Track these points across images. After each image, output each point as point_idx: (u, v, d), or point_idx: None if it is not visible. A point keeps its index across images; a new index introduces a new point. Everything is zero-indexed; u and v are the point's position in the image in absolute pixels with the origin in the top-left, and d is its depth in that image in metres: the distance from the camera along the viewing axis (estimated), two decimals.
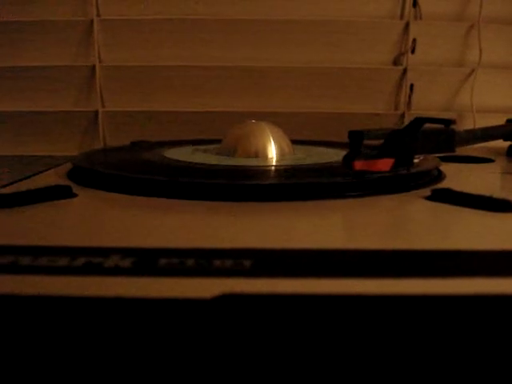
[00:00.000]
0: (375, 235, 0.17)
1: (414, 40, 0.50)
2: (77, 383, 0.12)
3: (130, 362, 0.12)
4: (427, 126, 0.25)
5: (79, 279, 0.13)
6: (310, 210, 0.20)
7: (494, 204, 0.20)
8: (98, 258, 0.14)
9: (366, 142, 0.24)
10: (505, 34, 0.51)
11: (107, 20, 0.50)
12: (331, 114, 0.51)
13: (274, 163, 0.29)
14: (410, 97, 0.52)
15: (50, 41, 0.50)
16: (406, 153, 0.24)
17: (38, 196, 0.21)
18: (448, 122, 0.26)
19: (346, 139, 0.24)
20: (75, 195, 0.22)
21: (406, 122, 0.50)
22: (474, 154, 0.37)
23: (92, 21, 0.49)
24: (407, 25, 0.50)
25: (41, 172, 0.29)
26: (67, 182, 0.25)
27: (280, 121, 0.36)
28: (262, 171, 0.27)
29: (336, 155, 0.31)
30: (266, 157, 0.30)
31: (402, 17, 0.51)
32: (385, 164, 0.24)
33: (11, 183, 0.25)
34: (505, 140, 0.36)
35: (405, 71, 0.51)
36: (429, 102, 0.52)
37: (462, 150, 0.34)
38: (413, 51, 0.51)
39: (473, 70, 0.51)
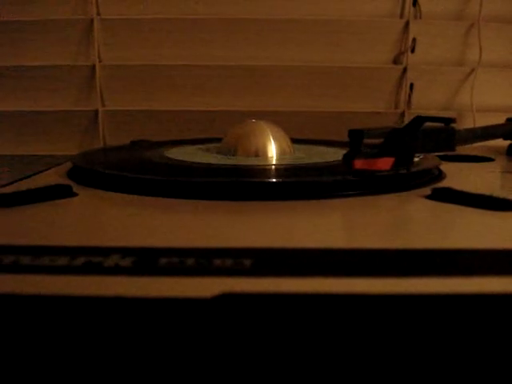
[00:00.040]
0: (376, 234, 0.17)
1: (414, 39, 0.50)
2: (77, 383, 0.12)
3: (131, 361, 0.12)
4: (427, 124, 0.25)
5: (79, 279, 0.13)
6: (310, 209, 0.20)
7: (494, 203, 0.20)
8: (98, 257, 0.14)
9: (366, 140, 0.23)
10: (505, 33, 0.51)
11: (107, 19, 0.50)
12: (331, 113, 0.51)
13: (274, 162, 0.29)
14: (410, 96, 0.52)
15: (50, 40, 0.50)
16: (406, 152, 0.24)
17: (38, 195, 0.21)
18: (448, 121, 0.26)
19: (346, 138, 0.24)
20: (75, 195, 0.22)
21: (406, 120, 0.50)
22: (474, 152, 0.37)
23: (92, 20, 0.49)
24: (407, 24, 0.50)
25: (41, 171, 0.29)
26: (67, 182, 0.25)
27: (280, 120, 0.36)
28: (263, 170, 0.27)
29: (336, 154, 0.31)
30: (266, 156, 0.30)
31: (401, 16, 0.51)
32: (385, 163, 0.24)
33: (11, 183, 0.25)
34: (505, 139, 0.36)
35: (405, 70, 0.51)
36: (429, 100, 0.52)
37: (462, 149, 0.34)
38: (413, 50, 0.51)
39: (473, 69, 0.51)
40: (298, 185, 0.23)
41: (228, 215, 0.19)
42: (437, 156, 0.30)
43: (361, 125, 0.26)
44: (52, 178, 0.27)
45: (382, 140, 0.24)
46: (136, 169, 0.27)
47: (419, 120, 0.25)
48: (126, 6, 0.50)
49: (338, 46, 0.51)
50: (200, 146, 0.35)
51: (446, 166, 0.30)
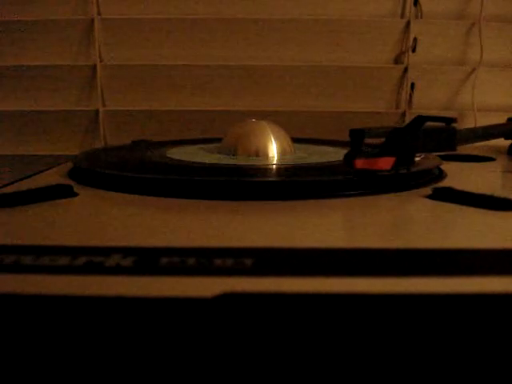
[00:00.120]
0: (376, 234, 0.17)
1: (415, 39, 0.50)
2: (78, 382, 0.12)
3: (132, 361, 0.12)
4: (428, 124, 0.25)
5: (80, 278, 0.13)
6: (311, 208, 0.20)
7: (495, 203, 0.20)
8: (99, 257, 0.14)
9: (367, 140, 0.24)
10: (506, 32, 0.51)
11: (108, 19, 0.50)
12: (332, 112, 0.51)
13: (274, 162, 0.29)
14: (410, 95, 0.51)
15: (51, 40, 0.50)
16: (407, 151, 0.24)
17: (39, 195, 0.21)
18: (449, 121, 0.26)
19: (347, 138, 0.24)
20: (76, 194, 0.23)
21: (407, 120, 0.50)
22: (475, 152, 0.37)
23: (93, 20, 0.49)
24: (408, 23, 0.50)
25: (42, 171, 0.29)
26: (68, 182, 0.25)
27: (281, 120, 0.36)
28: (263, 170, 0.27)
29: (337, 154, 0.31)
30: (266, 156, 0.30)
31: (402, 15, 0.51)
32: (386, 162, 0.24)
33: (12, 182, 0.25)
34: (506, 139, 0.36)
35: (406, 70, 0.51)
36: (430, 100, 0.52)
37: (463, 149, 0.34)
38: (414, 50, 0.51)
39: (474, 69, 0.51)
40: (299, 184, 0.23)
41: (229, 215, 0.19)
42: (438, 156, 0.30)
43: (361, 124, 0.26)
44: (53, 177, 0.27)
45: (382, 140, 0.24)
46: (137, 169, 0.27)
47: (420, 120, 0.25)
48: (126, 5, 0.50)
49: (338, 46, 0.51)
50: (200, 146, 0.35)
51: (446, 166, 0.30)
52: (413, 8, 0.50)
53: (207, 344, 0.12)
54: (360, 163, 0.23)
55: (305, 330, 0.12)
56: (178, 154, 0.32)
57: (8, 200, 0.20)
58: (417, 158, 0.25)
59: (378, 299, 0.12)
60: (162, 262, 0.14)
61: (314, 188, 0.23)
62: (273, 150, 0.31)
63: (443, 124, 0.26)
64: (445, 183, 0.25)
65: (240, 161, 0.29)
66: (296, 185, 0.23)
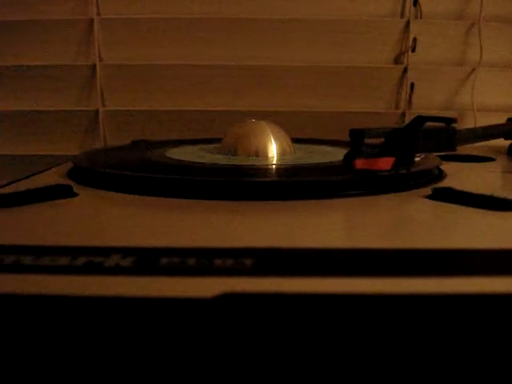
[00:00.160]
0: (376, 234, 0.17)
1: (415, 39, 0.50)
2: (78, 383, 0.12)
3: (131, 361, 0.12)
4: (428, 124, 0.25)
5: (80, 279, 0.13)
6: (311, 208, 0.20)
7: (494, 203, 0.20)
8: (98, 257, 0.14)
9: (367, 140, 0.24)
10: (505, 32, 0.51)
11: (108, 19, 0.50)
12: (332, 112, 0.51)
13: (274, 162, 0.29)
14: (410, 96, 0.51)
15: (51, 40, 0.50)
16: (407, 151, 0.24)
17: (38, 195, 0.21)
18: (449, 121, 0.26)
19: (346, 138, 0.24)
20: (76, 195, 0.22)
21: (407, 120, 0.50)
22: (475, 152, 0.37)
23: (92, 20, 0.49)
24: (408, 24, 0.50)
25: (41, 171, 0.29)
26: (68, 182, 0.25)
27: (281, 120, 0.36)
28: (263, 170, 0.27)
29: (337, 154, 0.31)
30: (266, 156, 0.30)
31: (402, 16, 0.51)
32: (386, 163, 0.24)
33: (11, 182, 0.25)
34: (505, 139, 0.36)
35: (405, 70, 0.51)
36: (429, 100, 0.52)
37: (462, 149, 0.34)
38: (413, 50, 0.51)
39: (473, 69, 0.51)
40: (299, 185, 0.23)
41: (229, 215, 0.19)
42: (437, 156, 0.30)
43: (361, 125, 0.26)
44: (52, 177, 0.27)
45: (382, 140, 0.24)
46: (136, 169, 0.27)
47: (420, 120, 0.25)
48: (126, 5, 0.50)
49: (338, 46, 0.51)
50: (201, 146, 0.35)
51: (446, 166, 0.30)
52: (412, 8, 0.50)
53: (207, 344, 0.12)
54: (360, 163, 0.23)
55: (305, 331, 0.12)
56: (177, 154, 0.32)
57: (8, 200, 0.20)
58: (417, 159, 0.25)
59: (379, 299, 0.12)
60: (161, 262, 0.14)
61: (314, 188, 0.23)
62: (273, 150, 0.31)
63: (443, 124, 0.26)
64: (444, 183, 0.25)
65: (240, 161, 0.29)
66: (296, 185, 0.23)
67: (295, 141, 0.34)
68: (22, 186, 0.24)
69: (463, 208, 0.20)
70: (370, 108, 0.52)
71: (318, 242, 0.16)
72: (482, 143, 0.33)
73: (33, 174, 0.28)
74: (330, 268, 0.13)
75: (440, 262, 0.14)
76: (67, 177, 0.27)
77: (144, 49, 0.50)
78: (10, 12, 0.49)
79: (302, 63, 0.51)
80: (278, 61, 0.51)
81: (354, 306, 0.12)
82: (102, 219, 0.19)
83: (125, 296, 0.12)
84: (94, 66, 0.50)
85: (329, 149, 0.34)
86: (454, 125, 0.26)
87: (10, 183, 0.25)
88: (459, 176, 0.28)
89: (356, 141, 0.23)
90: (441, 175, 0.27)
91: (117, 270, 0.13)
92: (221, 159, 0.29)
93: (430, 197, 0.22)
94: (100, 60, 0.50)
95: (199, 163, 0.28)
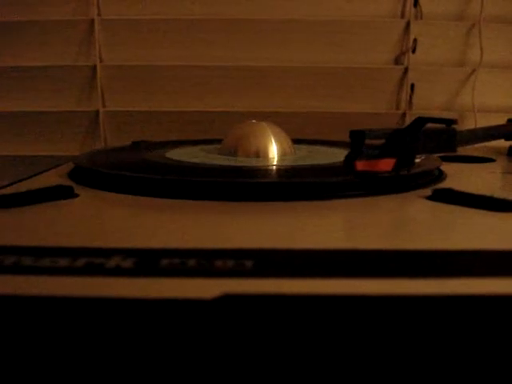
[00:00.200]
0: (376, 235, 0.17)
1: (415, 40, 0.50)
2: (78, 383, 0.12)
3: (132, 362, 0.12)
4: (429, 125, 0.25)
5: (81, 280, 0.13)
6: (311, 209, 0.20)
7: (495, 204, 0.20)
8: (99, 258, 0.14)
9: (368, 141, 0.24)
10: (506, 33, 0.51)
11: (108, 20, 0.50)
12: (332, 113, 0.51)
13: (274, 163, 0.29)
14: (411, 96, 0.52)
15: (51, 40, 0.50)
16: (408, 152, 0.24)
17: (39, 196, 0.21)
18: (449, 122, 0.26)
19: (347, 139, 0.24)
20: (76, 195, 0.23)
21: (407, 121, 0.50)
22: (475, 153, 0.37)
23: (93, 20, 0.49)
24: (408, 24, 0.50)
25: (42, 172, 0.29)
26: (68, 182, 0.25)
27: (281, 120, 0.36)
28: (263, 171, 0.27)
29: (337, 155, 0.31)
30: (266, 157, 0.30)
31: (402, 16, 0.51)
32: (386, 164, 0.24)
33: (12, 183, 0.25)
34: (506, 140, 0.36)
35: (406, 71, 0.51)
36: (430, 101, 0.52)
37: (463, 150, 0.34)
38: (414, 51, 0.51)
39: (474, 70, 0.51)
40: (299, 186, 0.23)
41: (229, 216, 0.19)
42: (438, 157, 0.30)
43: (362, 125, 0.26)
44: (53, 178, 0.27)
45: (383, 141, 0.24)
46: (137, 170, 0.27)
47: (420, 121, 0.25)
48: (126, 6, 0.50)
49: (338, 47, 0.51)
50: (201, 147, 0.36)
51: (446, 167, 0.30)
52: (413, 9, 0.50)
53: (207, 345, 0.12)
54: (361, 165, 0.23)
55: (305, 332, 0.12)
56: (178, 154, 0.32)
57: (8, 201, 0.20)
58: (417, 160, 0.25)
59: (379, 301, 0.12)
60: (162, 263, 0.14)
61: (314, 189, 0.23)
62: (273, 151, 0.31)
63: (443, 125, 0.26)
64: (445, 184, 0.25)
65: (240, 162, 0.29)
66: (296, 186, 0.23)
67: (296, 141, 0.34)
68: (23, 186, 0.24)
69: (463, 209, 0.20)
70: (370, 109, 0.52)
71: (319, 243, 0.16)
72: (483, 144, 0.33)
73: (33, 175, 0.28)
74: (331, 269, 0.13)
75: (440, 262, 0.14)
76: (68, 177, 0.27)
77: (144, 50, 0.50)
78: (11, 12, 0.49)
79: (301, 64, 0.51)
80: (277, 62, 0.51)
81: (355, 307, 0.12)
82: (102, 220, 0.19)
83: (125, 297, 0.12)
84: (95, 66, 0.50)
85: (329, 149, 0.34)
86: (454, 126, 0.26)
87: (10, 184, 0.25)
88: (459, 177, 0.28)
89: (357, 142, 0.23)
90: (441, 176, 0.27)
91: (117, 271, 0.13)
92: (221, 160, 0.29)
93: (430, 198, 0.22)
94: (100, 61, 0.50)
95: (200, 164, 0.28)
